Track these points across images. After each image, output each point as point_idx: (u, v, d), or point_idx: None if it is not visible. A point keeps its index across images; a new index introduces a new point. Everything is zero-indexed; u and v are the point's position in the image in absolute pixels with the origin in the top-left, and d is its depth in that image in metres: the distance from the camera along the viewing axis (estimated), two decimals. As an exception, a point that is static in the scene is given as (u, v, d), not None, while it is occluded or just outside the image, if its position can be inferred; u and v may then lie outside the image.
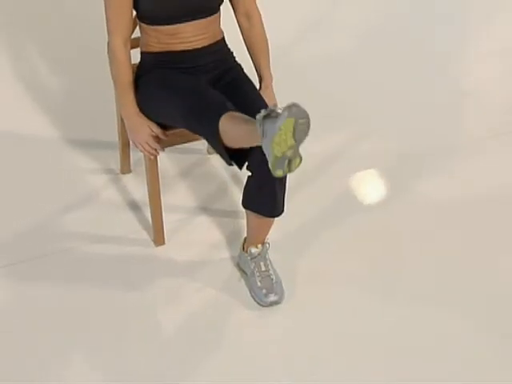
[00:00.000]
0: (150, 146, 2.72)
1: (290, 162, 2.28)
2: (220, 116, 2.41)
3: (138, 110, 2.73)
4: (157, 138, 2.71)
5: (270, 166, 2.27)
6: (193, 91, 2.59)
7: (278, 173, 2.28)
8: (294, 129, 2.21)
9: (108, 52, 2.69)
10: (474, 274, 2.86)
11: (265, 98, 2.76)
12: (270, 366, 2.56)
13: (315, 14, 4.00)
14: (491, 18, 4.17)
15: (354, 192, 3.27)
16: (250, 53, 2.84)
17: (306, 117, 2.22)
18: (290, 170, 2.29)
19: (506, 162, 3.34)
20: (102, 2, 2.69)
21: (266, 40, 2.83)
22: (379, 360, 2.57)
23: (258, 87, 2.83)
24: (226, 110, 2.44)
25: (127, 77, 2.70)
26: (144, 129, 2.71)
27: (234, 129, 2.41)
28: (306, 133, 2.24)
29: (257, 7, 2.80)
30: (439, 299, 2.78)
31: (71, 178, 3.22)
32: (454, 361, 2.57)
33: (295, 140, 2.22)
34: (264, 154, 2.41)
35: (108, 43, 2.68)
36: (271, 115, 2.23)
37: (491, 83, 3.76)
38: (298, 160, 2.27)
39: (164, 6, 2.62)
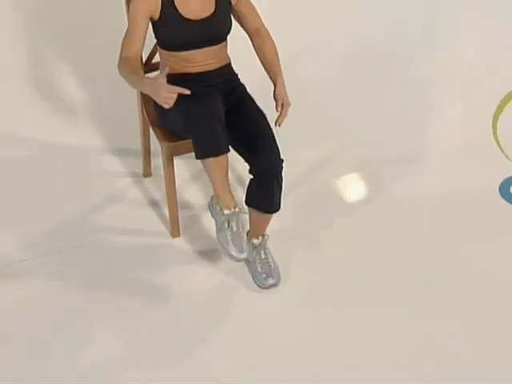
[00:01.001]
0: (170, 95, 2.44)
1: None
2: (212, 154, 2.55)
3: (151, 82, 2.47)
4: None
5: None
6: (204, 119, 2.57)
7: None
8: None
9: (119, 69, 2.64)
10: (438, 260, 2.91)
11: (279, 96, 2.71)
12: (267, 335, 2.64)
13: (310, 42, 3.97)
14: (455, 43, 4.09)
15: (340, 192, 3.31)
16: (263, 64, 2.81)
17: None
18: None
19: (464, 168, 3.36)
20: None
21: (276, 51, 2.82)
22: (358, 331, 2.64)
23: (272, 94, 2.76)
24: (222, 152, 2.55)
25: (137, 69, 2.62)
26: (161, 88, 2.42)
27: (211, 171, 2.60)
28: None
29: (264, 25, 2.82)
30: (410, 276, 2.85)
31: (102, 181, 3.26)
32: (415, 339, 2.61)
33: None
34: (263, 162, 2.61)
35: (119, 68, 2.65)
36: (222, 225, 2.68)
37: (452, 102, 3.76)
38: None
39: (180, 37, 2.67)
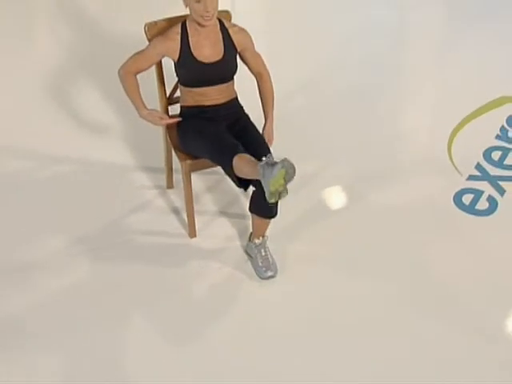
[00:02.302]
0: (159, 118, 2.71)
1: (280, 194, 2.34)
2: (234, 156, 2.49)
3: (146, 107, 2.70)
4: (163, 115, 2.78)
5: (266, 196, 2.33)
6: (216, 135, 2.65)
7: (272, 201, 2.35)
8: (285, 175, 2.28)
9: (120, 76, 2.68)
10: (406, 257, 2.91)
11: (267, 133, 2.80)
12: (267, 316, 2.67)
13: (302, 80, 4.06)
14: (418, 77, 4.22)
15: (326, 201, 3.29)
16: (261, 100, 2.84)
17: (293, 168, 2.29)
18: (279, 199, 2.37)
19: (425, 182, 3.33)
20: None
21: (273, 93, 2.82)
22: (341, 315, 2.67)
23: (262, 127, 2.83)
24: (238, 152, 2.52)
25: (134, 87, 2.68)
26: (153, 114, 2.71)
27: (242, 166, 2.47)
28: (292, 177, 2.32)
29: (265, 68, 2.82)
30: (386, 273, 2.84)
31: (133, 192, 3.26)
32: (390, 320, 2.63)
33: (285, 182, 2.30)
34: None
35: (119, 71, 2.68)
36: (270, 163, 2.29)
37: (415, 128, 3.80)
38: (285, 193, 2.35)
39: (195, 77, 2.69)
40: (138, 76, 2.72)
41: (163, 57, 2.70)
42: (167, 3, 3.04)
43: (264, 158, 2.34)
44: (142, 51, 2.67)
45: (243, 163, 2.47)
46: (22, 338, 2.53)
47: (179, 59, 2.65)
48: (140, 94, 2.71)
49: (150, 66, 2.72)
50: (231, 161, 2.49)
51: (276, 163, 2.27)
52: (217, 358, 2.49)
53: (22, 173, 3.35)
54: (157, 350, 2.51)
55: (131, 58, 2.68)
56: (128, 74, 2.67)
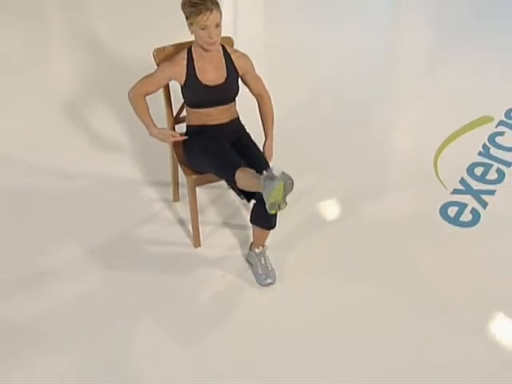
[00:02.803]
0: (170, 136, 2.75)
1: (279, 205, 2.37)
2: (236, 170, 2.53)
3: (156, 126, 2.73)
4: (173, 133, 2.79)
5: (266, 207, 2.36)
6: (220, 152, 2.68)
7: (272, 211, 2.38)
8: (284, 187, 2.31)
9: (129, 98, 2.70)
10: (397, 265, 2.93)
11: (267, 150, 2.83)
12: (266, 319, 2.69)
13: (301, 102, 4.11)
14: (405, 99, 4.26)
15: (322, 212, 3.30)
16: (261, 120, 2.86)
17: (291, 181, 2.32)
18: (279, 209, 2.40)
19: (413, 195, 3.37)
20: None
21: (273, 113, 2.84)
22: (333, 318, 2.68)
23: (262, 144, 2.85)
24: (240, 166, 2.55)
25: (144, 108, 2.71)
26: (163, 132, 2.76)
27: (244, 179, 2.51)
28: (290, 189, 2.35)
29: (266, 90, 2.83)
30: (380, 280, 2.86)
31: (142, 204, 3.27)
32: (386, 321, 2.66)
33: (284, 193, 2.33)
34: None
35: (129, 93, 2.70)
36: (270, 177, 2.32)
37: (404, 145, 3.85)
38: (284, 204, 2.38)
39: (200, 99, 2.73)
40: (148, 97, 2.73)
41: (170, 80, 2.73)
42: (174, 30, 3.05)
43: (265, 172, 2.38)
44: (151, 75, 2.70)
45: (245, 177, 2.51)
46: (37, 341, 2.56)
47: (185, 83, 2.68)
48: (150, 114, 2.75)
49: (157, 89, 2.76)
50: (234, 174, 2.53)
51: (276, 177, 2.31)
52: (219, 358, 2.51)
53: (39, 187, 3.38)
54: (163, 351, 2.53)
55: (140, 81, 2.71)
56: (137, 97, 2.71)
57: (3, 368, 2.46)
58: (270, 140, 2.87)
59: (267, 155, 2.83)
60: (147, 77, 2.71)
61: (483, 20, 5.27)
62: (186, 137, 2.84)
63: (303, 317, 2.69)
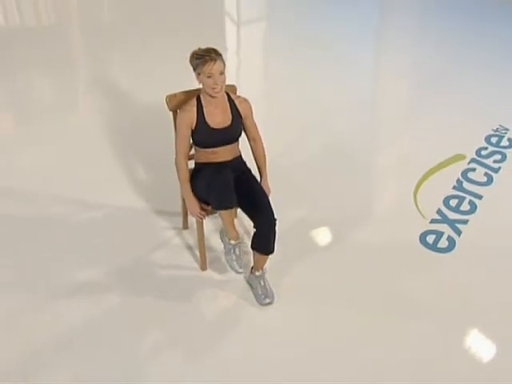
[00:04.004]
0: (199, 215, 2.78)
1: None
2: (224, 208, 2.63)
3: (193, 195, 2.77)
4: (202, 210, 2.78)
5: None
6: (220, 186, 2.64)
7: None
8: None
9: (175, 164, 2.78)
10: (382, 288, 2.94)
11: (263, 186, 2.85)
12: (266, 336, 2.68)
13: (292, 140, 4.16)
14: (390, 139, 4.30)
15: (316, 238, 3.31)
16: (255, 160, 2.91)
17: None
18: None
19: (395, 225, 3.37)
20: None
21: (265, 155, 2.91)
22: (327, 335, 2.69)
23: (259, 180, 2.88)
24: (230, 207, 2.63)
25: (186, 177, 2.78)
26: (196, 205, 2.77)
27: (223, 217, 2.69)
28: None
29: (259, 134, 2.89)
30: (371, 300, 2.85)
31: (154, 232, 3.28)
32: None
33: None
34: (263, 220, 2.62)
35: (175, 159, 2.78)
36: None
37: (386, 179, 3.85)
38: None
39: (208, 141, 2.76)
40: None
41: (191, 127, 2.72)
42: (182, 78, 3.06)
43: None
44: (178, 135, 2.74)
45: (225, 218, 2.70)
46: (66, 351, 2.58)
47: (196, 126, 2.73)
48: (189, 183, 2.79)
49: (188, 142, 2.78)
50: (220, 208, 2.64)
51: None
52: (222, 369, 2.52)
53: (66, 216, 3.41)
54: (171, 362, 2.55)
55: (176, 146, 2.75)
56: (183, 160, 2.75)
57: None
58: (265, 177, 2.91)
59: (266, 190, 2.85)
60: (177, 139, 2.74)
61: (458, 68, 5.41)
62: (205, 218, 2.82)
63: (298, 331, 2.70)
